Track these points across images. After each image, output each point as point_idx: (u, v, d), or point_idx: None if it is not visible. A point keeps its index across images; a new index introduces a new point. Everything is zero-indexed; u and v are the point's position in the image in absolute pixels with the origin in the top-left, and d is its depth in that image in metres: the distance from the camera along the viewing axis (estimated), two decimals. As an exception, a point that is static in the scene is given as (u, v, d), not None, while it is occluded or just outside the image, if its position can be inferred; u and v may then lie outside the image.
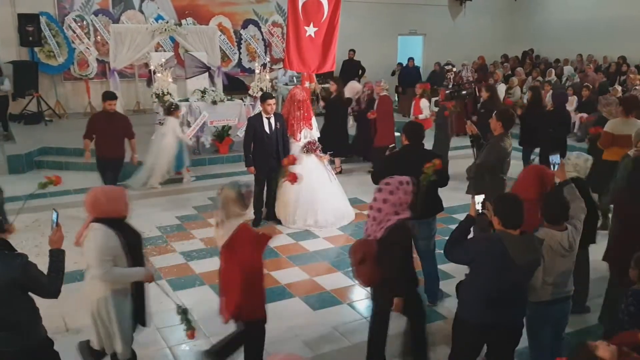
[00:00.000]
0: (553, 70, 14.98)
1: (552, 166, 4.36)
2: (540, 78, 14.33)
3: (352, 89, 10.77)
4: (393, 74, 16.08)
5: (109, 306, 3.65)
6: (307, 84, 8.89)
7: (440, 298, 5.36)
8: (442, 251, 3.82)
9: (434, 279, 5.32)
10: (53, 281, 3.16)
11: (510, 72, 15.65)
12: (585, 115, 11.24)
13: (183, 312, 3.94)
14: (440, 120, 9.57)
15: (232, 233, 3.75)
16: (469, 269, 3.63)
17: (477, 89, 10.66)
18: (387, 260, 3.80)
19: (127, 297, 3.74)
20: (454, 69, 11.56)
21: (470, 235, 3.79)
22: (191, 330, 3.91)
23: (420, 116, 9.76)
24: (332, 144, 8.98)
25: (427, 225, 5.10)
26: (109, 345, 3.76)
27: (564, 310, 3.89)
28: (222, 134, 10.34)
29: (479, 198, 3.66)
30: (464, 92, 10.16)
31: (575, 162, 4.79)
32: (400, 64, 16.55)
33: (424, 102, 9.89)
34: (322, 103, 9.86)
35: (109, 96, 7.35)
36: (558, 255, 3.65)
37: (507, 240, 3.36)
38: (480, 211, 3.65)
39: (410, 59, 16.19)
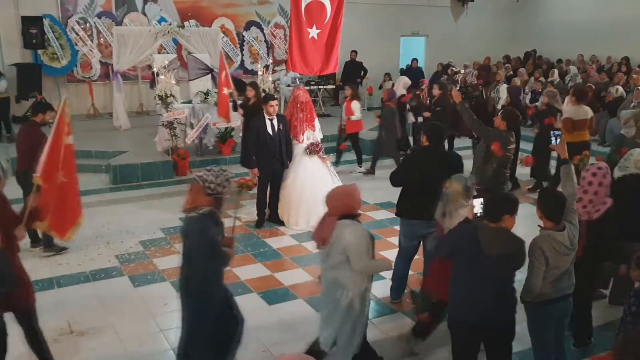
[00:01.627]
0: (556, 71, 14.95)
1: (554, 139, 4.39)
2: (542, 79, 14.32)
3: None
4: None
5: (364, 300, 3.83)
6: (224, 90, 8.83)
7: None
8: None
9: None
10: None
11: (512, 73, 15.64)
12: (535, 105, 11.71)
13: (416, 295, 4.55)
14: (388, 122, 9.63)
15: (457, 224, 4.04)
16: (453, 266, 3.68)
17: (484, 91, 10.70)
18: (605, 235, 4.29)
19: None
20: (462, 71, 11.63)
21: None
22: (424, 314, 4.39)
23: (352, 117, 9.81)
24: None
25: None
26: (345, 340, 3.83)
27: (566, 309, 3.90)
28: (224, 136, 10.37)
29: (478, 201, 3.70)
30: (471, 93, 10.22)
31: (638, 158, 4.89)
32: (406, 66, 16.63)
33: (354, 104, 9.94)
34: (240, 111, 8.73)
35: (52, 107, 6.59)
36: (561, 255, 3.66)
37: (481, 230, 3.41)
38: (478, 214, 3.68)
39: (414, 60, 16.20)
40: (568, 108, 8.31)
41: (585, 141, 7.88)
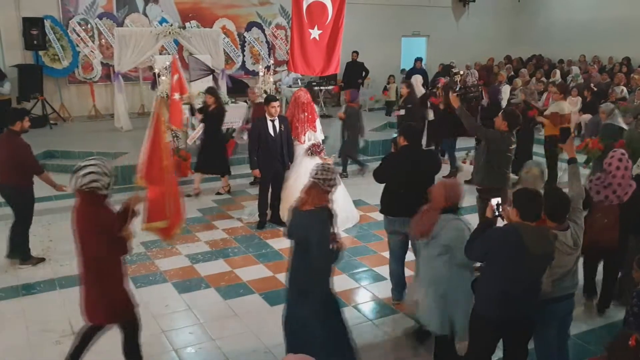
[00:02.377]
0: (558, 71, 14.93)
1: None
2: (543, 79, 14.30)
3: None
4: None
5: (469, 289, 3.96)
6: (176, 96, 8.33)
7: None
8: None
9: None
10: None
11: (513, 74, 15.63)
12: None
13: None
14: (352, 122, 9.64)
15: None
16: (484, 263, 3.71)
17: (483, 91, 10.70)
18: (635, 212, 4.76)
19: None
20: (461, 72, 11.65)
21: None
22: None
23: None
24: (213, 160, 8.57)
25: None
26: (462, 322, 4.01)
27: (569, 308, 3.90)
28: (226, 137, 10.35)
29: (495, 201, 3.75)
30: (470, 94, 10.24)
31: None
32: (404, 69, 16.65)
33: None
34: (198, 116, 8.65)
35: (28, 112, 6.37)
36: (564, 254, 3.67)
37: (523, 230, 3.41)
38: (496, 214, 3.73)
39: (418, 61, 16.16)
40: (554, 104, 8.84)
41: None
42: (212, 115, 8.47)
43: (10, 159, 5.78)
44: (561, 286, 3.74)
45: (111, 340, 4.09)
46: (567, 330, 4.04)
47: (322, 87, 14.94)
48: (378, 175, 5.16)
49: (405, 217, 4.82)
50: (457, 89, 10.89)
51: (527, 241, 3.37)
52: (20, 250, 6.08)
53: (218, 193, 8.81)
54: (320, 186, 3.77)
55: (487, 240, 3.58)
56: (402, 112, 9.78)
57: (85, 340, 4.02)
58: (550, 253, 3.51)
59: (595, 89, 12.43)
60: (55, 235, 6.95)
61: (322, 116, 11.57)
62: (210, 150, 8.54)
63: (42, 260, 6.18)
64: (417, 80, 11.38)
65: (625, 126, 7.32)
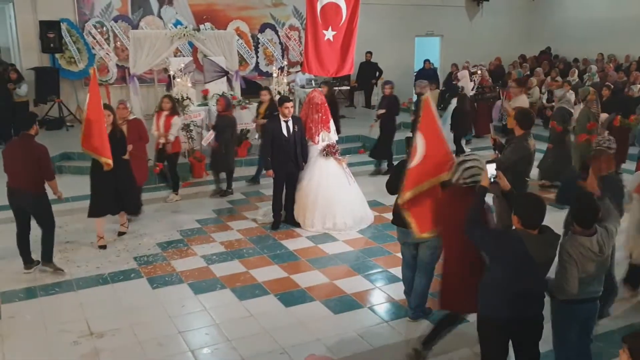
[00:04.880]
0: (576, 70, 14.76)
1: None
2: (559, 78, 14.16)
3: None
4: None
5: None
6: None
7: (424, 316, 5.10)
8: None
9: (423, 294, 5.04)
10: None
11: (529, 73, 15.50)
12: None
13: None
14: (226, 134, 8.47)
15: None
16: (488, 265, 3.71)
17: (500, 92, 10.67)
18: None
19: None
20: (479, 72, 11.63)
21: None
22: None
23: (170, 136, 8.03)
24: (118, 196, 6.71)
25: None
26: None
27: (592, 310, 3.84)
28: (240, 138, 10.40)
29: (491, 167, 3.75)
30: (488, 94, 10.24)
31: None
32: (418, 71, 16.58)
33: (175, 120, 8.15)
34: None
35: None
36: (589, 260, 3.61)
37: (528, 240, 3.39)
38: (492, 180, 3.74)
39: (427, 61, 16.10)
40: (518, 98, 9.43)
41: None
42: (110, 142, 6.40)
43: (31, 163, 5.69)
44: (586, 290, 3.68)
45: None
46: (589, 335, 3.96)
47: (335, 88, 14.91)
48: (391, 186, 4.96)
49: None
50: (475, 88, 10.88)
51: (532, 251, 3.37)
52: (45, 252, 5.98)
53: (120, 233, 7.12)
54: (609, 153, 4.80)
55: (493, 244, 3.58)
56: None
57: (439, 329, 4.38)
58: (553, 256, 3.53)
59: (612, 87, 12.27)
60: (72, 236, 7.02)
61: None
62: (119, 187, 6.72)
63: (62, 271, 6.00)
64: (464, 75, 11.56)
65: (572, 109, 8.67)
